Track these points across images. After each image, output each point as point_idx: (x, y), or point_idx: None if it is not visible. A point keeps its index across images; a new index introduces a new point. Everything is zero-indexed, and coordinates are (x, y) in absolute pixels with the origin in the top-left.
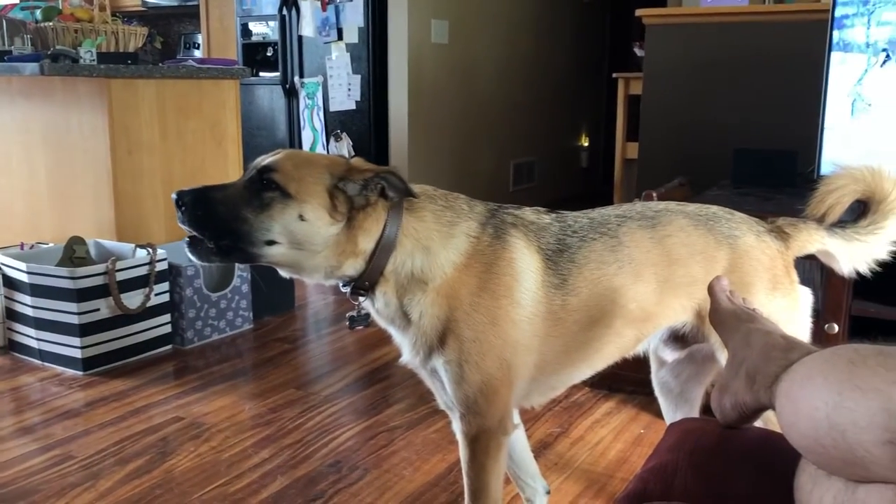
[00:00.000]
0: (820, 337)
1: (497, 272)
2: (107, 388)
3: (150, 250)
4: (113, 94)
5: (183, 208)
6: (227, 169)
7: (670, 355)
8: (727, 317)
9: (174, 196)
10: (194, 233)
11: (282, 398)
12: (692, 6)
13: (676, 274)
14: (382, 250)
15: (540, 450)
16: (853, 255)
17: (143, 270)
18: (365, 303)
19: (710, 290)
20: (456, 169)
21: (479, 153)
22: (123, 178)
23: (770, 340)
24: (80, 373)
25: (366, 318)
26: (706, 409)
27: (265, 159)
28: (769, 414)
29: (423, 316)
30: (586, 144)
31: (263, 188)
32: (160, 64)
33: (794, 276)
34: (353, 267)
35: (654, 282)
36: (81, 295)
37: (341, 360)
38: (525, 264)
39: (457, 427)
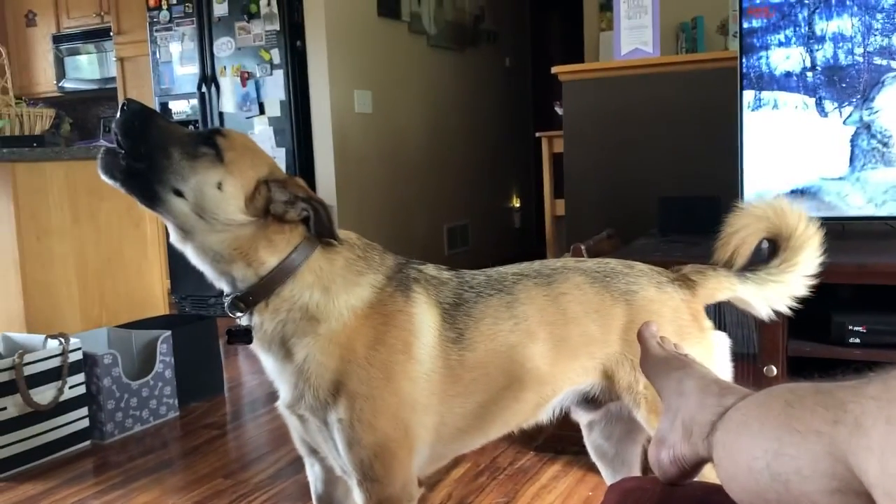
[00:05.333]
0: (759, 380)
1: (396, 325)
2: (15, 493)
3: (62, 340)
4: (18, 179)
5: (124, 112)
6: (147, 251)
7: (584, 417)
8: (658, 364)
9: (123, 99)
10: (118, 143)
11: (209, 489)
12: (606, 61)
13: (572, 333)
14: (280, 272)
15: None
16: (770, 297)
17: (55, 362)
18: (243, 319)
19: (640, 336)
20: (388, 236)
21: (412, 219)
22: (32, 265)
23: (703, 386)
24: None
25: (246, 334)
26: (647, 468)
27: (223, 128)
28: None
29: (309, 360)
30: (518, 205)
31: (204, 142)
32: (72, 146)
33: (705, 324)
34: (241, 273)
35: (549, 341)
36: None
37: (273, 442)
38: (424, 319)
39: (356, 497)
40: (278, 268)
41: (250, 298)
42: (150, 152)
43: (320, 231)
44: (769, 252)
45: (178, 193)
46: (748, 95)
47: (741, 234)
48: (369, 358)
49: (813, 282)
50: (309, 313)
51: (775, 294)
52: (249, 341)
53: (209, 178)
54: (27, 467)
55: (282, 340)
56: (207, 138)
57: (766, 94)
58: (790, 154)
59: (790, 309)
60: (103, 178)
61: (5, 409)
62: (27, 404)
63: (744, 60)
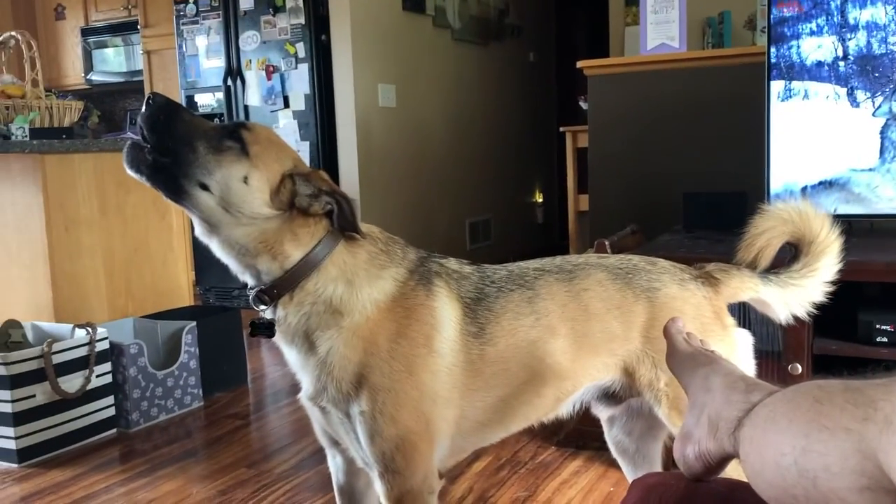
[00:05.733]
0: (784, 378)
1: (418, 319)
2: (44, 479)
3: (90, 330)
4: (47, 170)
5: (150, 106)
6: (172, 242)
7: (605, 412)
8: (685, 360)
9: (149, 93)
10: (143, 137)
11: (232, 478)
12: (632, 56)
13: (593, 329)
14: (305, 266)
15: None
16: (790, 301)
17: (82, 351)
18: (267, 312)
19: (666, 332)
20: (411, 230)
21: (434, 213)
22: (61, 256)
23: (730, 382)
24: (16, 465)
25: (270, 327)
26: (668, 464)
27: (247, 121)
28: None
29: (332, 353)
30: (541, 200)
31: (229, 136)
32: (100, 138)
33: (728, 321)
34: (266, 266)
35: (570, 336)
36: (15, 381)
37: (296, 433)
38: (446, 313)
39: (378, 488)
40: (303, 261)
41: (275, 291)
42: (176, 146)
43: (343, 225)
44: (791, 256)
45: (204, 187)
46: (777, 86)
47: (766, 236)
48: (391, 351)
49: (831, 288)
50: (332, 306)
51: (795, 298)
52: (272, 335)
53: (235, 172)
54: (55, 454)
55: (305, 333)
56: (232, 132)
57: (795, 84)
58: (819, 145)
59: (816, 306)
60: (129, 172)
61: (34, 396)
62: (55, 392)
63: (773, 50)
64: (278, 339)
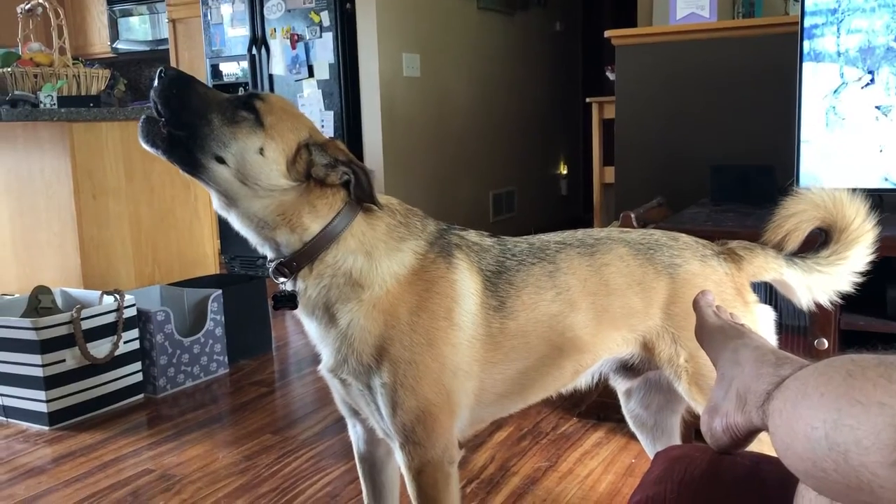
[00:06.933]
0: (810, 353)
1: (438, 292)
2: (74, 442)
3: (118, 296)
4: (75, 138)
5: (162, 79)
6: (198, 210)
7: (622, 384)
8: (714, 333)
9: (161, 67)
10: (157, 111)
11: (257, 444)
12: (661, 25)
13: (614, 304)
14: (324, 238)
15: (528, 486)
16: (813, 286)
17: (110, 318)
18: (287, 284)
19: (695, 305)
20: (434, 201)
21: (458, 184)
22: (89, 223)
23: (760, 356)
24: (46, 428)
25: (292, 299)
26: (687, 438)
27: (260, 91)
28: (762, 435)
29: (353, 326)
30: (565, 172)
31: (243, 107)
32: (127, 106)
33: (749, 297)
34: (285, 238)
35: (591, 311)
36: (45, 346)
37: (320, 401)
38: (466, 286)
39: (399, 459)
40: (322, 233)
41: (294, 264)
42: (191, 120)
43: (360, 195)
44: (821, 242)
45: (220, 160)
46: (808, 62)
47: (795, 219)
48: (412, 324)
49: (859, 279)
50: (352, 279)
51: (819, 285)
52: (295, 306)
53: (250, 144)
54: (84, 418)
55: (325, 306)
56: (246, 103)
57: (826, 63)
58: (851, 124)
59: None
60: (145, 146)
61: (64, 361)
62: (84, 357)
63: (806, 25)
64: (299, 311)
